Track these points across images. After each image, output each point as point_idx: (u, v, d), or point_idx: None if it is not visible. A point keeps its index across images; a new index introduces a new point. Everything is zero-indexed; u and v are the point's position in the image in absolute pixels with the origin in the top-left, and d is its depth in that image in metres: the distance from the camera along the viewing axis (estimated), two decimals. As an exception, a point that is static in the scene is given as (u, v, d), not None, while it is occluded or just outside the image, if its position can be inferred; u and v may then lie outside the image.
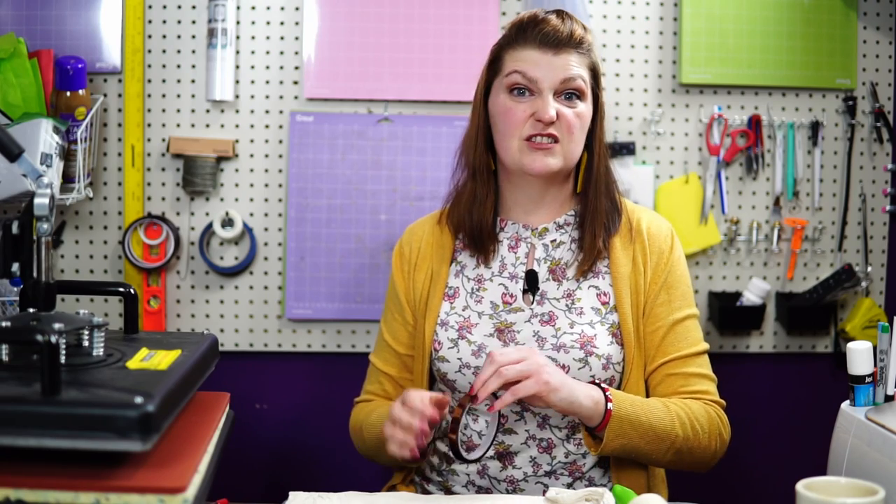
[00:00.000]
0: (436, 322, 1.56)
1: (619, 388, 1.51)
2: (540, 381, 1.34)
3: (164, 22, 2.14)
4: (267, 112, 2.17)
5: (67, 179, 1.96)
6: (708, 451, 1.48)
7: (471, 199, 1.58)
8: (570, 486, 1.51)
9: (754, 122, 2.21)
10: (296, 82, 2.17)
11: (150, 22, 2.14)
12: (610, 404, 1.39)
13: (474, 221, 1.57)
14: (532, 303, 1.54)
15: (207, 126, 2.16)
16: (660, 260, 1.55)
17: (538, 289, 1.55)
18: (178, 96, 2.15)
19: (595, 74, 1.54)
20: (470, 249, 1.60)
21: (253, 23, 2.15)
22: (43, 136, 1.84)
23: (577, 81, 1.50)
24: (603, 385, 1.42)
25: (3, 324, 1.10)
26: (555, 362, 1.47)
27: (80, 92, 1.97)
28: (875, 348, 1.36)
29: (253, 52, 2.16)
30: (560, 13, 1.54)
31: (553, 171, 1.51)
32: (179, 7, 2.14)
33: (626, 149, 2.18)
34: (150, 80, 2.14)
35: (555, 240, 1.58)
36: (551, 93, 1.49)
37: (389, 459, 1.48)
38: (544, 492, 1.45)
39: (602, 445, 1.41)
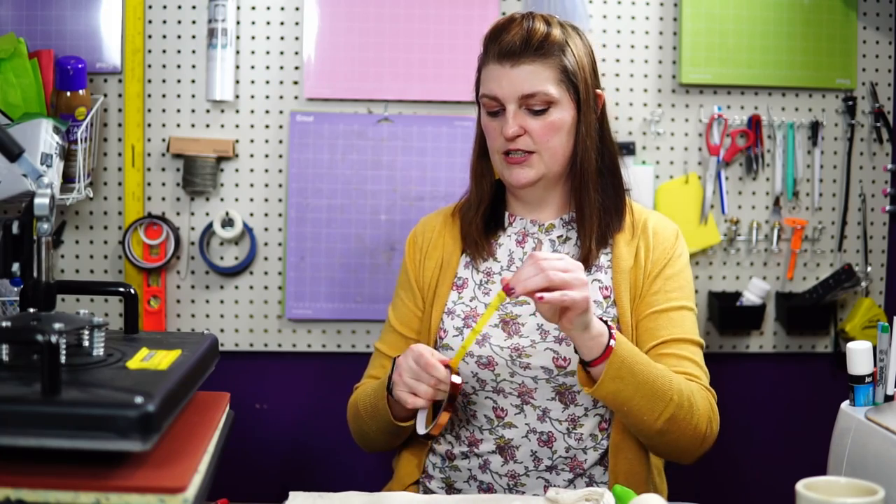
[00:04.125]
0: (443, 310, 1.58)
1: None
2: (585, 296, 1.30)
3: (164, 22, 2.14)
4: (267, 112, 2.17)
5: (67, 179, 1.96)
6: (698, 433, 1.42)
7: (466, 202, 1.64)
8: (570, 482, 1.51)
9: (754, 122, 2.21)
10: (296, 82, 2.17)
11: (150, 22, 2.14)
12: (612, 341, 1.35)
13: (466, 223, 1.61)
14: None
15: (207, 126, 2.16)
16: (661, 255, 1.55)
17: None
18: (178, 96, 2.15)
19: (569, 74, 1.50)
20: (464, 248, 1.62)
21: (253, 23, 2.15)
22: (43, 136, 1.84)
23: (539, 96, 1.48)
24: (609, 323, 1.39)
25: (4, 324, 1.10)
26: (557, 354, 1.48)
27: (81, 92, 1.97)
28: (875, 348, 1.36)
29: (253, 52, 2.16)
30: (527, 16, 1.51)
31: (533, 181, 1.52)
32: (179, 7, 2.14)
33: (626, 149, 2.18)
34: (150, 80, 2.14)
35: (561, 235, 1.59)
36: (515, 106, 1.49)
37: (383, 430, 1.50)
38: (545, 489, 1.45)
39: (597, 384, 1.36)
